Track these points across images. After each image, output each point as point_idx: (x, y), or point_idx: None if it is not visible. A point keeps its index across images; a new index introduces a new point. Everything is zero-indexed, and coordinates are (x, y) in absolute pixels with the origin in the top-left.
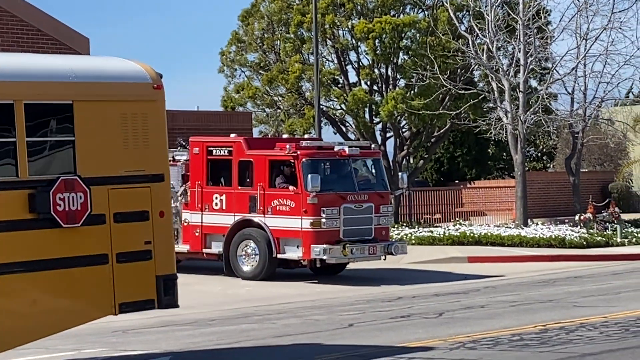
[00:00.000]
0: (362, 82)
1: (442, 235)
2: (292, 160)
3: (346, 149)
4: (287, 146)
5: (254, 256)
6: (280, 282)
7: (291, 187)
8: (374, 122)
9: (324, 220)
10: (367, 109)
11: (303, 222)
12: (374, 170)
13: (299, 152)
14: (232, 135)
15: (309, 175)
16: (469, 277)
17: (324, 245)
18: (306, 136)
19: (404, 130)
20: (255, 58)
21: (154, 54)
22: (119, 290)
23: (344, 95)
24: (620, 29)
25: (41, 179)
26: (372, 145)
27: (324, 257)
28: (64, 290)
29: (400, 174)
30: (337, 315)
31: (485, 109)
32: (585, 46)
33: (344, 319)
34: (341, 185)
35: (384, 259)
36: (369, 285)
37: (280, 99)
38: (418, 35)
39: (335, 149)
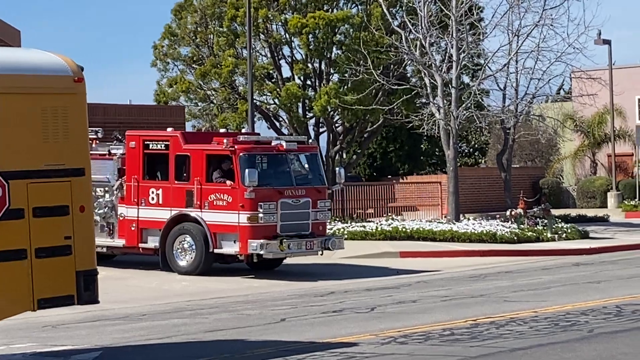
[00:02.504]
0: (296, 76)
1: (374, 230)
2: (230, 155)
3: (284, 143)
4: (225, 140)
5: (190, 251)
6: (216, 277)
7: (228, 182)
8: (307, 116)
9: (261, 215)
10: (300, 104)
11: (240, 216)
12: (311, 165)
13: (236, 147)
14: (169, 129)
15: (247, 170)
16: (401, 272)
17: (261, 240)
18: (243, 130)
19: (337, 125)
20: (189, 52)
21: (87, 47)
22: (38, 286)
23: (278, 89)
24: (552, 25)
25: None
26: (310, 140)
27: (261, 252)
28: None
29: (337, 169)
30: (270, 310)
31: (418, 105)
32: (517, 43)
33: (276, 314)
34: (279, 180)
35: (321, 254)
36: (302, 280)
37: (213, 93)
38: (351, 30)
39: (273, 144)
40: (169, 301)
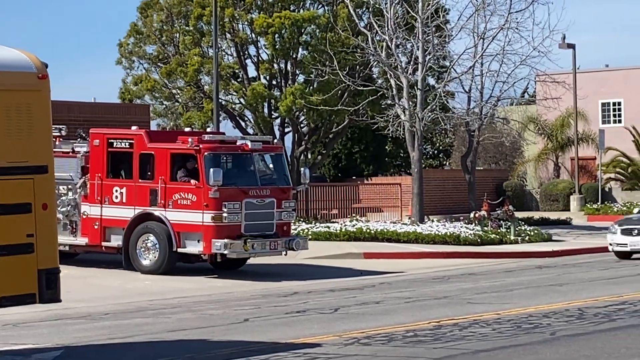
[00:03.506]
0: (262, 76)
1: (338, 231)
2: (194, 154)
3: (249, 143)
4: (190, 139)
5: (153, 250)
6: (180, 277)
7: (193, 181)
8: (273, 116)
9: (225, 214)
10: (266, 104)
11: (204, 216)
12: (276, 165)
13: (201, 146)
14: (134, 127)
15: (211, 169)
16: (364, 273)
17: (225, 240)
18: (208, 130)
19: (302, 125)
20: (154, 50)
21: (50, 44)
22: None
23: (243, 89)
24: (517, 29)
25: None
26: (275, 140)
27: (225, 252)
28: None
29: (302, 169)
30: (233, 310)
31: (383, 106)
32: (483, 45)
33: (239, 314)
34: (243, 180)
35: (285, 254)
36: (266, 280)
37: (178, 92)
38: (318, 30)
39: (238, 143)
40: (131, 300)
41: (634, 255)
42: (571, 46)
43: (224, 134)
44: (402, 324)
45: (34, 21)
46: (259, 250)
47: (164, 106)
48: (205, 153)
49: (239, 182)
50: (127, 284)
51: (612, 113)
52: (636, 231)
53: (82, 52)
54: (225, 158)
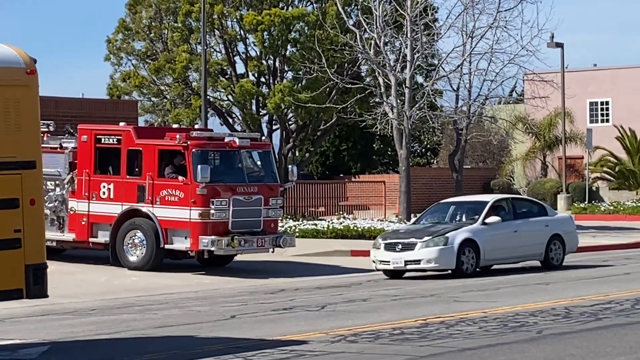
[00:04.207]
0: (250, 73)
1: (326, 229)
2: (182, 150)
3: (237, 140)
4: (177, 136)
5: (141, 246)
6: (167, 273)
7: (180, 178)
8: (261, 114)
9: (212, 211)
10: (254, 101)
11: (192, 212)
12: (264, 163)
13: (189, 143)
14: (122, 123)
15: (199, 166)
16: (351, 271)
17: (212, 237)
18: (196, 126)
19: (290, 122)
20: (143, 47)
21: (39, 39)
22: None
23: (232, 86)
24: (506, 27)
25: None
26: (263, 138)
27: (212, 249)
28: None
29: (290, 166)
30: (220, 307)
31: (371, 104)
32: (471, 44)
33: (226, 311)
34: (231, 177)
35: (272, 252)
36: (253, 277)
37: (166, 88)
38: (306, 28)
39: (226, 140)
40: (118, 296)
41: (407, 274)
42: (559, 45)
43: (211, 130)
44: (389, 321)
45: (22, 16)
46: (246, 247)
47: (152, 102)
48: (193, 150)
49: (227, 179)
50: (114, 280)
51: (599, 112)
52: (400, 246)
53: (70, 47)
54: (213, 155)
